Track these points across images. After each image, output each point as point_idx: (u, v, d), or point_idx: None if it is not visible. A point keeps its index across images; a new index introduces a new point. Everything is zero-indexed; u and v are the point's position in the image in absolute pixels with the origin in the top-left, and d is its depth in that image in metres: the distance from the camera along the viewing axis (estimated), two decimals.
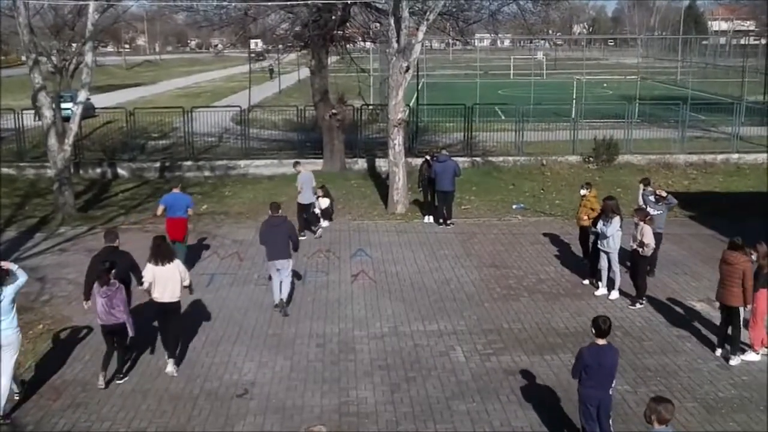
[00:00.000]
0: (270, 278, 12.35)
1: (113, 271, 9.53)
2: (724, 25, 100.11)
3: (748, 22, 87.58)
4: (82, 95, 17.73)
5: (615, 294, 12.53)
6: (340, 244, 15.93)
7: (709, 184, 21.84)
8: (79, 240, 16.19)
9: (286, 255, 11.92)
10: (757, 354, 10.25)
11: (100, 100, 47.17)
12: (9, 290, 8.79)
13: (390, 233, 16.77)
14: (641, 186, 14.23)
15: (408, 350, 10.57)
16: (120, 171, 24.03)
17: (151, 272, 9.91)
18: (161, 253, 9.97)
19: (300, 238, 14.81)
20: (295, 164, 17.19)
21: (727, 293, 10.09)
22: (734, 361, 10.10)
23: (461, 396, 9.29)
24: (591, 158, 24.01)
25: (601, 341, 7.58)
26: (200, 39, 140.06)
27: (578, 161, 24.17)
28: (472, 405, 9.08)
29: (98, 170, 24.00)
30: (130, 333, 9.65)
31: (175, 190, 14.12)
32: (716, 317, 11.43)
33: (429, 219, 17.68)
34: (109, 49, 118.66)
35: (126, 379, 9.74)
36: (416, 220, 17.88)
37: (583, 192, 13.87)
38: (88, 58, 17.68)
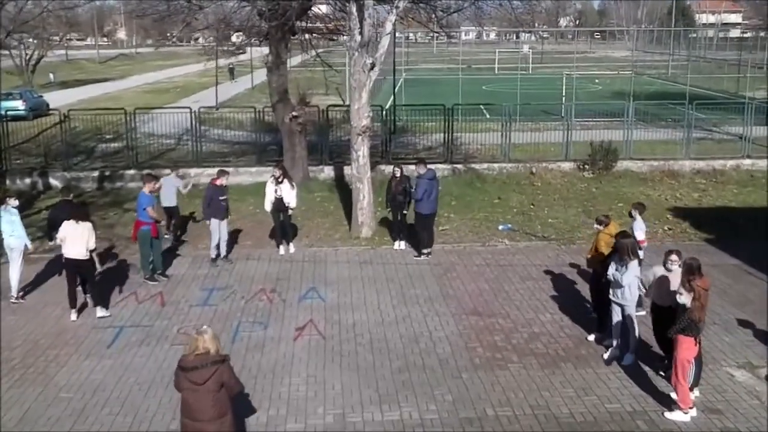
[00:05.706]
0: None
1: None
2: (711, 18, 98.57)
3: (734, 14, 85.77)
4: None
5: (631, 358, 9.76)
6: (290, 280, 13.04)
7: (722, 196, 19.01)
8: None
9: (224, 215, 14.03)
10: (686, 414, 8.35)
11: (61, 97, 44.06)
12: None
13: (352, 265, 13.88)
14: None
15: None
16: (52, 181, 21.03)
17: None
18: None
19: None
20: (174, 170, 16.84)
21: None
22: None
23: None
24: (586, 165, 21.26)
25: None
26: (182, 33, 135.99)
27: (572, 168, 21.39)
28: None
29: (28, 180, 21.07)
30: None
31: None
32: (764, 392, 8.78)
33: (400, 245, 14.85)
34: (88, 42, 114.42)
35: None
36: (385, 246, 14.98)
37: (597, 227, 10.90)
38: None
